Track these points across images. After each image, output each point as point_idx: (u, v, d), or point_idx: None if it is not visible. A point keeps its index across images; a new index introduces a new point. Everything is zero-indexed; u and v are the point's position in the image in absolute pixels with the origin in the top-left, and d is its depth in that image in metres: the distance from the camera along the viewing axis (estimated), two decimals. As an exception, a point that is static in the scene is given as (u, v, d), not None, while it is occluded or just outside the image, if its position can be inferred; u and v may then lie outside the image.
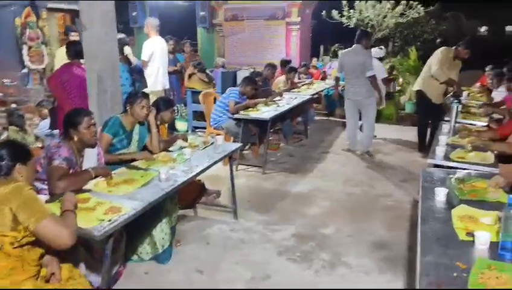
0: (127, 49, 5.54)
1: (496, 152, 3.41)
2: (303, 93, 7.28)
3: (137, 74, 4.99)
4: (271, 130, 6.23)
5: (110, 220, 2.29)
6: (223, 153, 3.69)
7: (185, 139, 3.83)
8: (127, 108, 3.42)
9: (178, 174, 3.07)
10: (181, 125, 7.15)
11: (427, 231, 2.22)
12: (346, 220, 4.12)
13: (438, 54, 5.91)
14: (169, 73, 6.97)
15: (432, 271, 1.86)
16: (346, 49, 6.24)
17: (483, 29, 29.79)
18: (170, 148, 3.72)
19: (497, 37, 27.10)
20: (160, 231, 3.19)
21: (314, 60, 10.77)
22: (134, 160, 3.32)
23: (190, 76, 7.17)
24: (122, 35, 4.86)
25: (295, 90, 7.47)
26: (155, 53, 6.20)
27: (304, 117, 7.44)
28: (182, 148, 3.69)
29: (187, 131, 7.11)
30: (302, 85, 7.91)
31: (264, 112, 5.61)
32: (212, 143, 3.93)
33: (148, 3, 10.97)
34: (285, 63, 8.12)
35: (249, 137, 5.72)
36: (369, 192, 4.85)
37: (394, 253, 3.52)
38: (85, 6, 3.89)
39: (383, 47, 7.54)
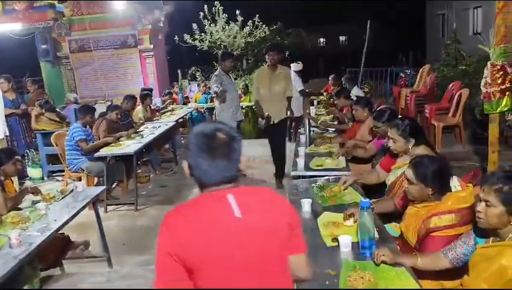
0: None
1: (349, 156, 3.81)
2: (166, 120, 7.18)
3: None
4: (138, 163, 5.98)
5: None
6: (86, 200, 3.39)
7: (36, 192, 3.40)
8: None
9: (33, 235, 2.71)
10: (35, 173, 6.41)
11: (298, 244, 2.33)
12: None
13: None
14: (8, 116, 6.24)
15: (307, 283, 1.95)
16: None
17: (322, 40, 33.52)
18: (21, 205, 3.28)
19: (333, 47, 30.77)
20: (21, 304, 2.77)
21: (176, 85, 10.75)
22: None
23: (37, 117, 6.49)
24: None
25: (157, 118, 7.32)
26: (-13, 97, 5.49)
27: (171, 144, 7.32)
28: (34, 202, 3.28)
29: (42, 178, 6.41)
30: (164, 112, 7.80)
31: (128, 145, 5.36)
32: (71, 190, 3.58)
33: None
34: (145, 91, 7.95)
35: (114, 174, 5.39)
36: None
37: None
38: None
39: (300, 62, 7.95)
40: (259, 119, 5.82)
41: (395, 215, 2.69)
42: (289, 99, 5.56)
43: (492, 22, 3.85)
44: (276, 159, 5.71)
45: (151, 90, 8.47)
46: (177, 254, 1.34)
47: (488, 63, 3.75)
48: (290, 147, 7.21)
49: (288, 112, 5.56)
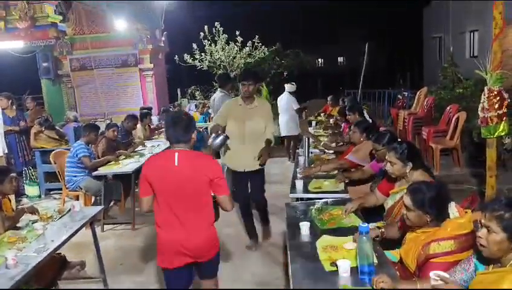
0: None
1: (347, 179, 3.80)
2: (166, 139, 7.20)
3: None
4: (136, 181, 5.96)
5: None
6: (83, 220, 3.37)
7: (34, 211, 3.39)
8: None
9: (30, 255, 2.69)
10: (32, 190, 6.39)
11: (297, 269, 2.31)
12: (224, 264, 4.07)
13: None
14: (7, 133, 6.30)
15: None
16: None
17: (320, 60, 33.86)
18: (18, 225, 3.26)
19: (332, 68, 31.11)
20: (14, 326, 2.72)
21: (177, 104, 10.85)
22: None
23: (37, 134, 6.50)
24: None
25: (156, 136, 7.34)
26: (-14, 115, 5.52)
27: (169, 162, 7.31)
28: (32, 222, 3.26)
29: (40, 196, 6.38)
30: (163, 131, 7.83)
31: (127, 164, 5.36)
32: (69, 210, 3.56)
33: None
34: (144, 110, 8.02)
35: (112, 193, 5.37)
36: (242, 231, 4.91)
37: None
38: None
39: (294, 83, 8.37)
40: (211, 138, 4.03)
41: (396, 243, 2.68)
42: (268, 142, 4.16)
43: (489, 46, 3.92)
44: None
45: (150, 108, 8.52)
46: (147, 179, 2.54)
47: (485, 88, 3.80)
48: (289, 167, 7.25)
49: (259, 161, 4.10)
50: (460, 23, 16.62)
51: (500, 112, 3.71)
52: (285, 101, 8.20)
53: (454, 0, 17.30)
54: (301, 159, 4.75)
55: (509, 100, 3.77)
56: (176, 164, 2.50)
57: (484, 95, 3.80)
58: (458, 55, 14.82)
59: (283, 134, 8.33)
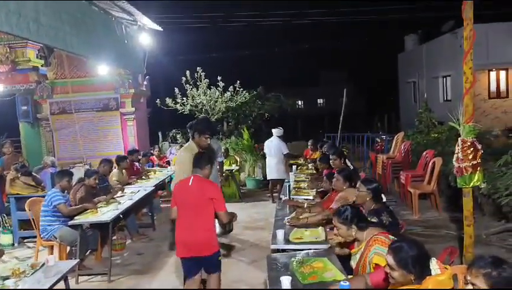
0: None
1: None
2: (145, 184, 7.10)
3: None
4: (114, 229, 5.82)
5: None
6: (57, 276, 3.25)
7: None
8: None
9: (-2, 317, 2.57)
10: (5, 239, 6.16)
11: (278, 328, 2.26)
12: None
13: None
14: None
15: None
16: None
17: (300, 102, 34.54)
18: (-13, 282, 3.12)
19: (311, 110, 31.76)
20: None
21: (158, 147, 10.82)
22: None
23: (12, 181, 6.34)
24: None
25: (132, 182, 7.20)
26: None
27: (149, 208, 7.18)
28: (3, 279, 3.12)
29: (13, 244, 6.14)
30: (139, 177, 7.71)
31: (104, 212, 5.23)
32: (42, 264, 3.44)
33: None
34: (132, 153, 8.02)
35: (88, 243, 5.21)
36: (222, 280, 4.78)
37: None
38: None
39: (281, 127, 8.58)
40: None
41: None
42: None
43: (461, 91, 4.07)
44: None
45: (136, 151, 8.43)
46: (174, 193, 3.77)
47: (459, 139, 3.93)
48: (272, 211, 7.21)
49: None
50: (433, 68, 17.36)
51: (475, 162, 3.82)
52: (275, 145, 8.31)
53: (427, 47, 18.16)
54: (282, 205, 4.73)
55: (482, 151, 3.89)
56: (190, 184, 3.58)
57: (458, 146, 3.92)
58: (432, 99, 15.39)
59: (270, 177, 8.38)
